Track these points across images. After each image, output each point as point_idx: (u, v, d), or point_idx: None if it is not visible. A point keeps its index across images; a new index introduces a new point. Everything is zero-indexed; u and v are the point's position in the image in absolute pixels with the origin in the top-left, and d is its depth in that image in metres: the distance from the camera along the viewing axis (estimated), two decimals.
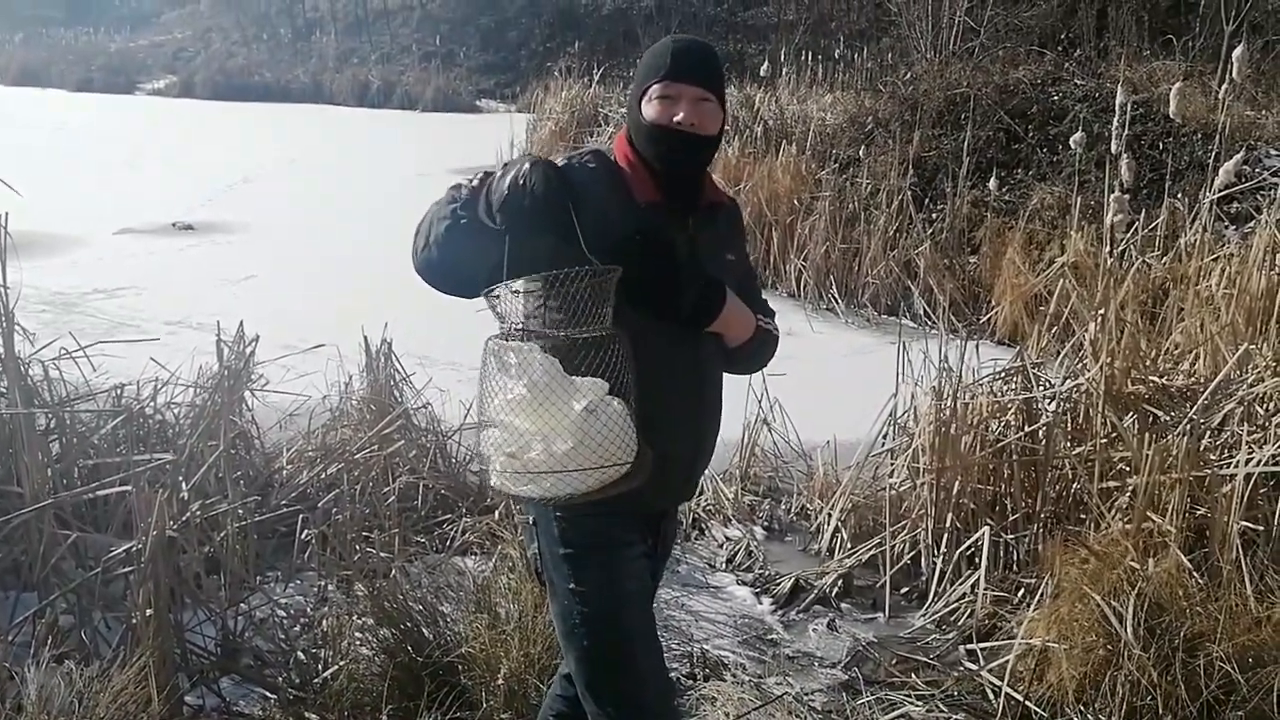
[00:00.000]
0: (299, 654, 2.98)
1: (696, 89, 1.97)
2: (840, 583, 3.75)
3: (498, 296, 1.67)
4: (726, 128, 2.26)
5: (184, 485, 3.23)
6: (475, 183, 1.75)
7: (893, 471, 4.03)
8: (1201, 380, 3.70)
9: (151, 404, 3.88)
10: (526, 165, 1.65)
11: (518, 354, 1.62)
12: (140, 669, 2.43)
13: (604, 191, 1.92)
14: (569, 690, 2.22)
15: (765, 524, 4.27)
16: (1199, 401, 3.46)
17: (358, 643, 2.94)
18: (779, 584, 3.76)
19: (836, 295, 8.10)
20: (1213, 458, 3.33)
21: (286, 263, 9.00)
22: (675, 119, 1.95)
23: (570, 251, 1.69)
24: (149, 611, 2.60)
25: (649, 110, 1.97)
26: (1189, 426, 3.31)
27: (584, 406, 1.61)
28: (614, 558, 1.99)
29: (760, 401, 4.58)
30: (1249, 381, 3.54)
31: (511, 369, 1.62)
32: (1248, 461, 3.19)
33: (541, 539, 2.03)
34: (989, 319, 7.13)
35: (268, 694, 2.86)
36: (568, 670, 2.23)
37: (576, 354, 1.64)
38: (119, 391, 3.79)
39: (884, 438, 4.17)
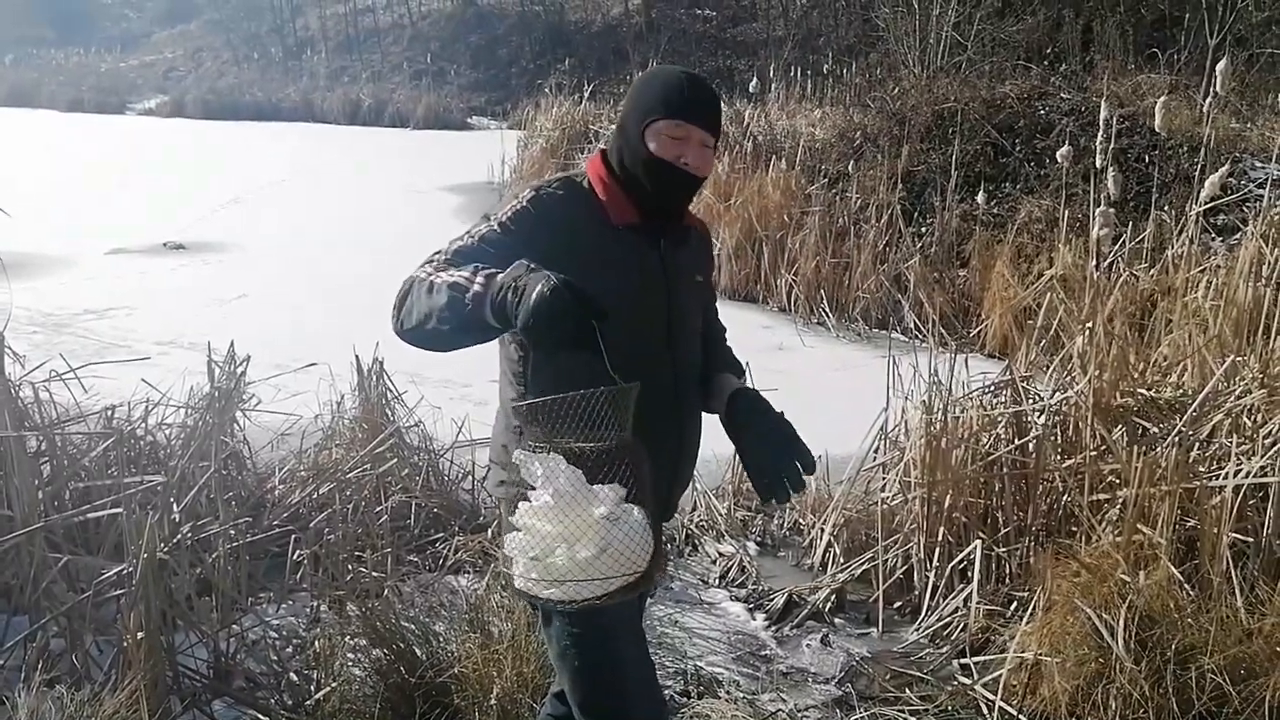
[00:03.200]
0: (291, 675, 2.97)
1: (705, 134, 2.00)
2: (833, 598, 3.75)
3: (524, 411, 1.70)
4: (725, 156, 2.29)
5: (175, 507, 3.23)
6: (480, 283, 1.66)
7: (884, 486, 4.04)
8: (1190, 392, 3.72)
9: (142, 425, 3.88)
10: (548, 289, 1.56)
11: (544, 464, 1.67)
12: (132, 692, 2.43)
13: (579, 221, 1.95)
14: (560, 709, 2.22)
15: (758, 539, 4.27)
16: (1187, 413, 3.48)
17: (350, 663, 2.93)
18: (772, 599, 3.76)
19: (827, 309, 8.13)
20: (1202, 469, 3.34)
21: (278, 282, 9.00)
22: (682, 160, 1.96)
23: (595, 363, 1.65)
24: (140, 634, 2.59)
25: (655, 144, 1.96)
26: (1178, 438, 3.33)
27: (605, 514, 1.66)
28: None
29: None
30: (1237, 393, 3.56)
31: (538, 478, 1.67)
32: (1237, 473, 3.21)
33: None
34: (978, 332, 7.15)
35: (260, 716, 2.84)
36: (559, 689, 2.23)
37: (597, 464, 1.69)
38: (110, 413, 3.78)
39: (875, 452, 4.18)
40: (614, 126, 2.09)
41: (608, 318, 1.60)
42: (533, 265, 1.63)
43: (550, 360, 1.89)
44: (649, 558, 1.71)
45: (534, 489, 1.69)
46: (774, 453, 1.92)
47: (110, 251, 10.15)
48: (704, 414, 2.19)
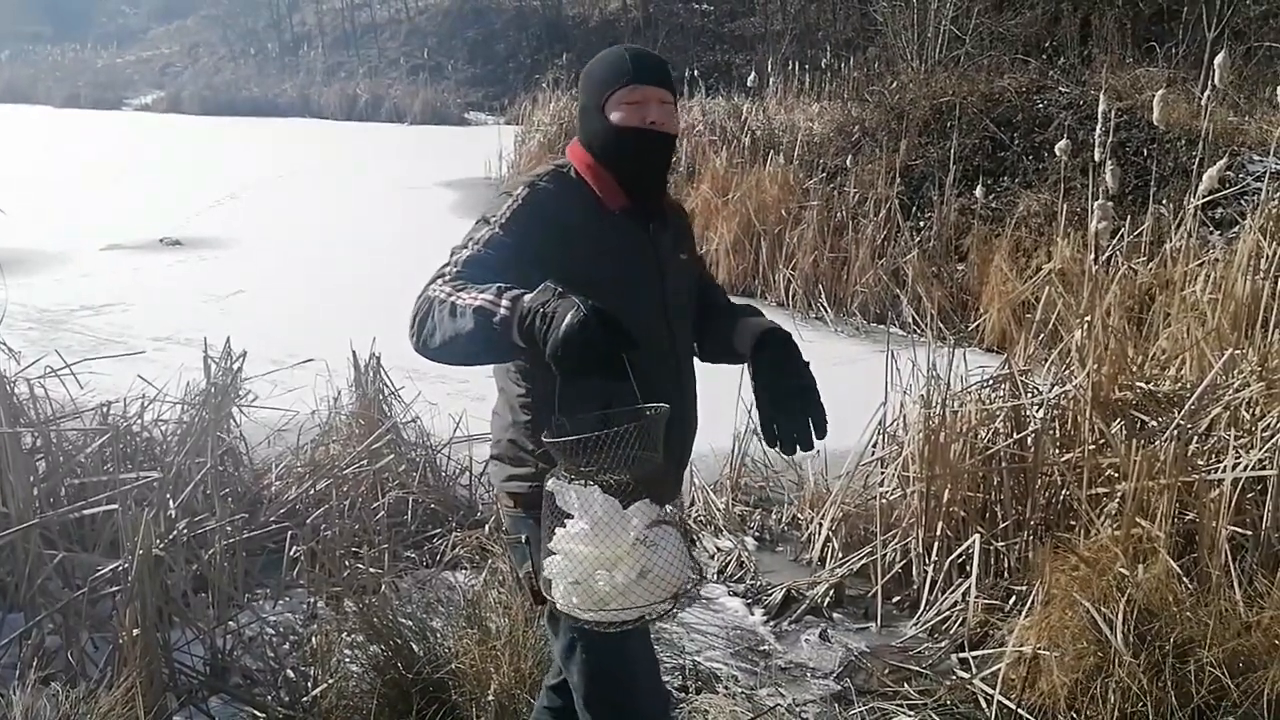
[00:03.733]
0: (288, 672, 2.96)
1: (660, 90, 2.02)
2: (832, 592, 3.75)
3: (556, 443, 1.69)
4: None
5: (171, 503, 3.22)
6: (506, 306, 1.65)
7: (883, 480, 4.03)
8: (1188, 385, 3.71)
9: (138, 421, 3.86)
10: (576, 320, 1.55)
11: (579, 494, 1.68)
12: (127, 689, 2.42)
13: (575, 212, 1.96)
14: (555, 701, 2.22)
15: (756, 534, 4.26)
16: (1186, 407, 3.47)
17: (347, 660, 2.92)
18: (770, 594, 3.75)
19: (825, 304, 8.12)
20: (1200, 463, 3.34)
21: (274, 278, 8.98)
22: (648, 121, 1.99)
23: (622, 389, 1.65)
24: (136, 631, 2.58)
25: (617, 116, 1.99)
26: (1176, 432, 3.32)
27: (642, 538, 1.67)
28: None
29: (750, 412, 4.57)
30: (1235, 386, 3.55)
31: (574, 506, 1.68)
32: (1235, 466, 3.21)
33: (537, 556, 2.02)
34: (977, 326, 7.14)
35: (257, 713, 2.83)
36: (554, 681, 2.23)
37: (631, 492, 1.69)
38: (106, 409, 3.77)
39: (874, 446, 4.17)
40: (577, 117, 2.13)
41: (638, 346, 1.60)
42: (560, 289, 1.61)
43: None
44: (689, 575, 1.72)
45: (569, 516, 1.69)
46: (786, 419, 1.89)
47: (106, 247, 10.13)
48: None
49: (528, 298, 1.63)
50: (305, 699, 2.82)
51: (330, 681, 2.81)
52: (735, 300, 2.26)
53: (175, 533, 3.02)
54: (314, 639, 3.03)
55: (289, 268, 9.43)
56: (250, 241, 10.63)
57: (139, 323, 7.26)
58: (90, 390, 3.89)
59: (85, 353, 4.72)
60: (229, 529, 3.25)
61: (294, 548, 3.55)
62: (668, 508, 1.73)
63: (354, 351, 4.41)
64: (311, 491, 3.93)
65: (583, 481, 1.68)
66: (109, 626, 2.91)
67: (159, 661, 2.69)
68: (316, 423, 4.39)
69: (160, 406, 3.99)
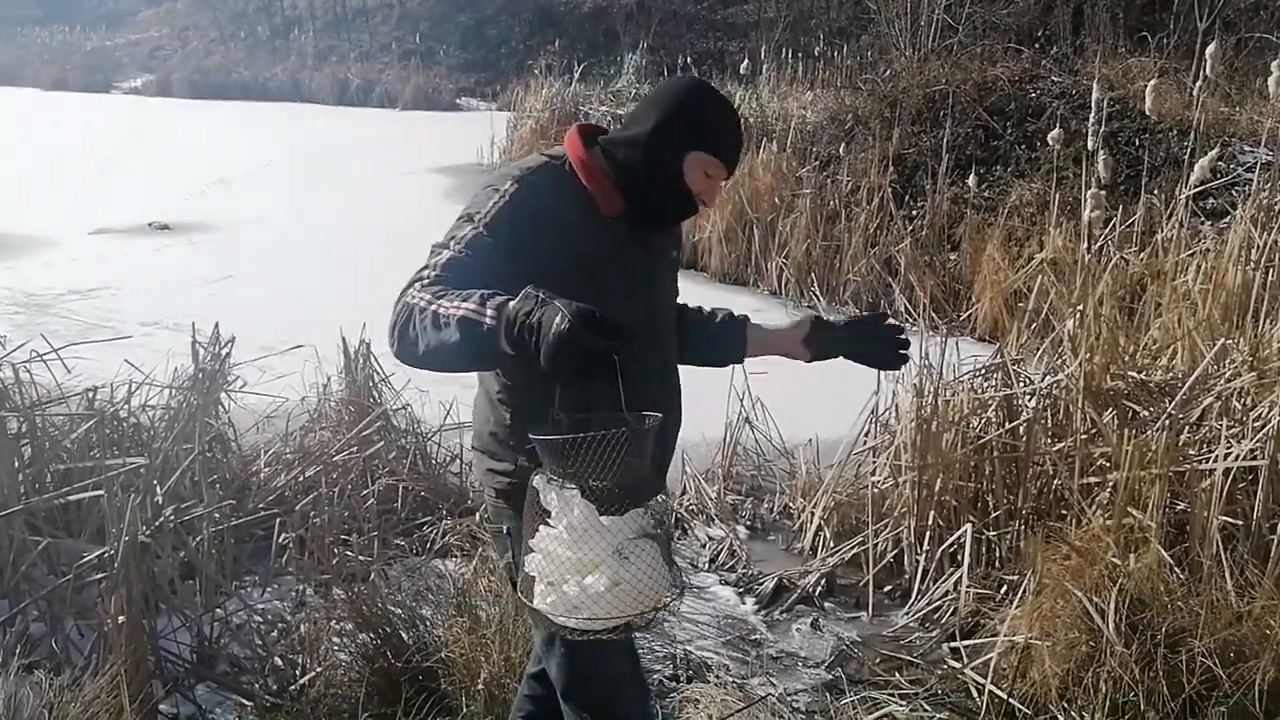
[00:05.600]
0: (276, 660, 2.95)
1: (728, 178, 2.02)
2: (823, 582, 3.74)
3: (544, 441, 1.66)
4: None
5: (158, 489, 3.19)
6: (491, 316, 1.62)
7: (875, 469, 4.02)
8: (1179, 375, 3.71)
9: (125, 407, 3.83)
10: (564, 325, 1.51)
11: (559, 496, 1.66)
12: (113, 677, 2.40)
13: (567, 212, 1.89)
14: (537, 690, 2.22)
15: (748, 523, 4.25)
16: (1177, 396, 3.46)
17: (336, 648, 2.91)
18: (762, 584, 3.74)
19: (818, 292, 8.10)
20: (1192, 453, 3.33)
21: (264, 263, 8.93)
22: (702, 197, 1.97)
23: (609, 391, 1.61)
24: (122, 618, 2.56)
25: (689, 174, 1.93)
26: (1168, 422, 3.31)
27: (617, 549, 1.66)
28: None
29: (742, 400, 4.56)
30: (1226, 376, 3.54)
31: (554, 507, 1.66)
32: (1226, 456, 3.20)
33: (517, 550, 2.01)
34: (969, 315, 7.14)
35: (244, 701, 2.82)
36: (534, 670, 2.22)
37: (613, 499, 1.66)
38: (92, 394, 3.73)
39: (865, 436, 4.16)
40: (630, 124, 1.98)
41: (626, 348, 1.57)
42: (542, 295, 1.57)
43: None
44: (666, 592, 1.70)
45: (550, 515, 1.67)
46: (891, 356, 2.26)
47: (94, 232, 10.06)
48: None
49: (512, 304, 1.59)
50: (293, 687, 2.81)
51: (318, 669, 2.80)
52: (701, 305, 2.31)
53: (162, 519, 3.00)
54: (302, 627, 3.01)
55: (278, 253, 9.38)
56: (240, 226, 10.56)
57: (127, 308, 7.21)
58: (77, 375, 3.86)
59: (72, 338, 4.69)
60: (217, 516, 3.23)
61: (282, 535, 3.52)
62: (649, 519, 1.70)
63: (344, 338, 4.38)
64: (300, 478, 3.91)
65: (563, 484, 1.65)
66: (94, 613, 2.88)
67: (145, 649, 2.67)
68: (306, 409, 4.36)
69: (147, 392, 3.95)
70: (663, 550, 1.71)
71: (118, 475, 3.12)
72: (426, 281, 1.75)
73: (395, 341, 1.75)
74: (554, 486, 1.66)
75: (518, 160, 2.01)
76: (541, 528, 1.68)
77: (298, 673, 2.85)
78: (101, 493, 2.96)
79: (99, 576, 2.89)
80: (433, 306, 1.68)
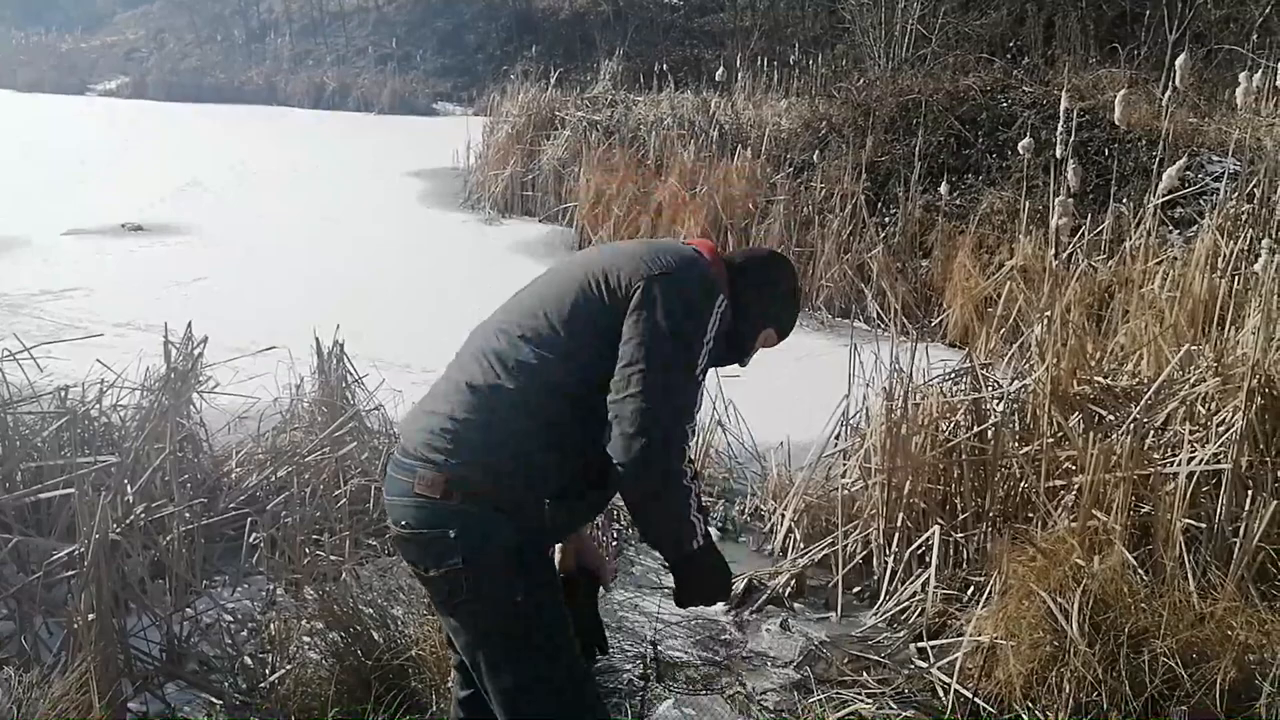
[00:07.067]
0: (245, 659, 2.94)
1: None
2: (793, 583, 3.77)
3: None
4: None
5: (129, 488, 3.19)
6: (701, 539, 2.06)
7: (845, 472, 4.06)
8: (1145, 381, 3.76)
9: (97, 406, 3.81)
10: (724, 594, 2.23)
11: None
12: (82, 675, 2.39)
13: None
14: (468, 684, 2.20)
15: (719, 525, 4.28)
16: (1142, 401, 3.52)
17: (306, 646, 2.91)
18: (733, 584, 3.76)
19: None
20: (1156, 456, 3.39)
21: (237, 265, 8.89)
22: (751, 355, 2.36)
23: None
24: (91, 616, 2.55)
25: (759, 338, 2.33)
26: (1133, 426, 3.37)
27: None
28: (553, 573, 2.17)
29: (714, 403, 4.59)
30: (1191, 381, 3.60)
31: None
32: (1190, 460, 3.26)
33: (473, 553, 1.99)
34: (940, 321, 7.20)
35: (213, 699, 2.82)
36: (459, 660, 2.19)
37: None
38: (63, 393, 3.71)
39: (836, 439, 4.20)
40: (761, 292, 2.30)
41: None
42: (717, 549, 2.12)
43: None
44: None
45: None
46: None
47: (67, 232, 9.98)
48: None
49: (714, 551, 2.11)
50: (262, 685, 2.81)
51: (288, 668, 2.80)
52: None
53: (132, 518, 2.99)
54: (272, 626, 3.01)
55: (252, 255, 9.33)
56: (213, 228, 10.50)
57: (99, 308, 7.16)
58: (49, 375, 3.83)
59: (44, 337, 4.64)
60: (187, 515, 3.23)
61: (253, 534, 3.52)
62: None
63: (317, 339, 4.37)
64: (272, 478, 3.90)
65: None
66: (64, 611, 2.87)
67: (114, 647, 2.67)
68: (278, 410, 4.35)
69: (119, 391, 3.93)
70: None
71: (88, 474, 3.11)
72: (685, 410, 2.02)
73: (659, 475, 1.97)
74: None
75: (701, 263, 2.16)
76: None
77: (267, 671, 2.85)
78: (72, 491, 2.95)
79: (69, 574, 2.88)
80: (691, 495, 2.02)
